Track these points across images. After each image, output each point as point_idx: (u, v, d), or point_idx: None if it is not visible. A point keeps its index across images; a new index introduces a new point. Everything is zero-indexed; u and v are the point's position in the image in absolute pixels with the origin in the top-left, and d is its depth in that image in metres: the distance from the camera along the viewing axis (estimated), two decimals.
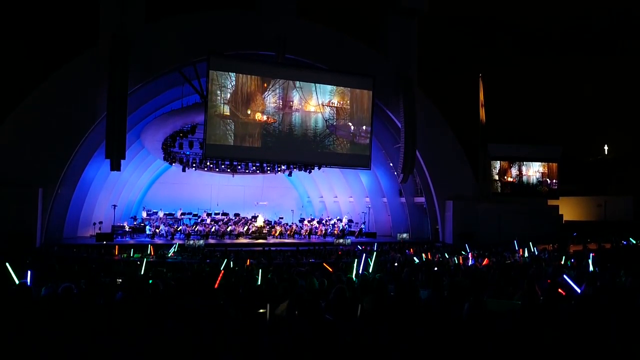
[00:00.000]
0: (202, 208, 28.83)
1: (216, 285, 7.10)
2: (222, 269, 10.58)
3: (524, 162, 28.69)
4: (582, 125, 40.87)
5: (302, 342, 3.59)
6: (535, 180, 28.94)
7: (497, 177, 28.47)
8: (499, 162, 28.44)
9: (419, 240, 26.69)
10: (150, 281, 6.82)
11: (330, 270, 12.26)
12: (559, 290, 6.04)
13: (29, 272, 6.58)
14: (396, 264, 13.95)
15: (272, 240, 25.34)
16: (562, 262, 12.45)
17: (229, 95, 21.74)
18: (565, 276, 6.35)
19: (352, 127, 24.01)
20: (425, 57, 27.67)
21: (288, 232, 26.90)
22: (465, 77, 32.26)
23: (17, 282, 6.51)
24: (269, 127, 22.61)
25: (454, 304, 5.13)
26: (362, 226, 29.87)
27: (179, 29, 21.16)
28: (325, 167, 25.72)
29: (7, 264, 6.65)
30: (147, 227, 25.29)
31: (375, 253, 13.40)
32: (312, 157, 23.91)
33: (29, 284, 6.22)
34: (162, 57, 20.84)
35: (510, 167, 28.63)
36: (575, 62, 42.39)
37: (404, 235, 26.99)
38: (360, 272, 10.24)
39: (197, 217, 27.70)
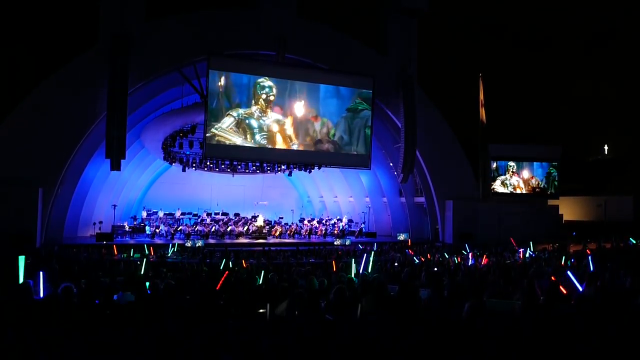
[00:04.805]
0: (202, 208, 28.85)
1: (218, 287, 7.09)
2: (222, 268, 10.56)
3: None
4: (582, 125, 40.83)
5: (302, 341, 3.59)
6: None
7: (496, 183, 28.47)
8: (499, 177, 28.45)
9: (419, 240, 26.69)
10: (148, 283, 6.81)
11: (335, 269, 12.29)
12: (561, 288, 6.05)
13: (41, 273, 6.49)
14: (396, 264, 13.97)
15: (272, 240, 25.35)
16: (562, 262, 12.44)
17: (229, 95, 21.75)
18: (569, 272, 6.34)
19: (352, 127, 24.03)
20: (425, 57, 27.62)
21: (288, 232, 26.91)
22: (466, 77, 32.18)
23: (22, 280, 6.45)
24: (269, 127, 22.60)
25: (454, 303, 5.13)
26: (362, 226, 29.88)
27: (179, 28, 21.13)
28: (325, 166, 25.72)
29: (21, 259, 6.55)
30: (147, 227, 25.31)
31: (373, 252, 13.43)
32: (312, 157, 23.90)
33: (41, 284, 6.18)
34: (162, 57, 20.82)
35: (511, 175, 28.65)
36: (576, 62, 42.36)
37: (402, 236, 26.93)
38: (360, 272, 10.26)
39: (197, 217, 27.72)
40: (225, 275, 8.00)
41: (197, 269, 12.35)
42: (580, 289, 6.05)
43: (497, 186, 28.39)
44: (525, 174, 28.76)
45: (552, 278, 6.94)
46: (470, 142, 28.37)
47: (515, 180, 28.59)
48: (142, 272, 10.82)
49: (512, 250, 17.63)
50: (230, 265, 13.54)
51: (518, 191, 28.65)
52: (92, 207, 25.26)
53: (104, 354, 3.36)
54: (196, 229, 25.16)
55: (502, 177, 28.43)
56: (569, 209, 32.12)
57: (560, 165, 29.32)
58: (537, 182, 28.86)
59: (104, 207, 26.00)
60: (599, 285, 6.18)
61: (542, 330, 3.90)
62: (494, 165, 28.37)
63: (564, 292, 6.07)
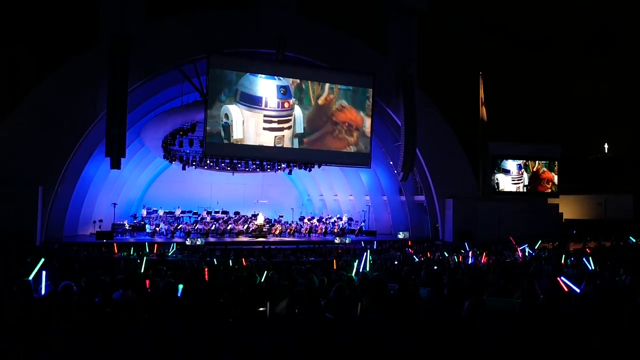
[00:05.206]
0: (202, 206, 28.84)
1: (206, 278, 7.18)
2: (205, 267, 10.62)
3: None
4: (582, 123, 40.86)
5: (302, 341, 3.59)
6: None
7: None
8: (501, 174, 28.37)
9: (419, 238, 26.70)
10: (148, 281, 6.81)
11: (335, 267, 12.31)
12: (562, 285, 6.05)
13: (43, 272, 6.49)
14: (396, 262, 13.98)
15: (272, 239, 25.35)
16: (562, 261, 12.45)
17: (229, 94, 21.75)
18: (563, 278, 6.34)
19: (352, 125, 24.02)
20: (425, 56, 27.61)
21: (288, 231, 26.91)
22: (466, 76, 32.17)
23: (32, 277, 6.44)
24: (269, 125, 22.59)
25: (453, 302, 5.14)
26: (362, 224, 29.88)
27: (179, 26, 21.11)
28: (326, 165, 25.72)
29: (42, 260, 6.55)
30: (147, 226, 25.30)
31: (369, 251, 13.45)
32: (312, 156, 23.91)
33: (43, 283, 6.19)
34: (162, 55, 20.81)
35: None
36: (576, 61, 42.35)
37: (402, 235, 26.95)
38: (360, 270, 10.27)
39: (197, 216, 27.72)
40: (206, 270, 8.08)
41: (197, 267, 12.37)
42: (578, 290, 6.04)
43: (507, 184, 28.35)
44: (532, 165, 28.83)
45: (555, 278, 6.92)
46: (470, 141, 28.37)
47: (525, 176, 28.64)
48: (142, 271, 10.82)
49: (512, 249, 17.64)
50: (231, 264, 13.57)
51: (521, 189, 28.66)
52: (92, 205, 25.26)
53: (104, 354, 3.37)
54: (196, 227, 25.15)
55: (509, 176, 28.41)
56: (569, 208, 32.12)
57: (561, 164, 29.34)
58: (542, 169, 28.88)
59: (104, 206, 26.01)
60: (598, 284, 6.18)
61: (542, 330, 3.90)
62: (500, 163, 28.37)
63: (565, 289, 6.08)
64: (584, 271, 8.79)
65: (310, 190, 35.09)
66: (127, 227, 24.70)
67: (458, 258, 15.43)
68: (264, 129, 22.49)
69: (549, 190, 29.10)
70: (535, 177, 28.87)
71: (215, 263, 13.92)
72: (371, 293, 5.61)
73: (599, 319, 4.21)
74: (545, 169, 29.01)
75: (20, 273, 7.26)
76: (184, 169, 26.23)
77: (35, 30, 26.58)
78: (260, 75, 22.27)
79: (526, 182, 28.83)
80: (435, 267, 11.60)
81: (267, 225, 26.96)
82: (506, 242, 20.37)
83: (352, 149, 24.12)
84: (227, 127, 21.83)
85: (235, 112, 21.90)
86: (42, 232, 19.82)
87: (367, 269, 10.68)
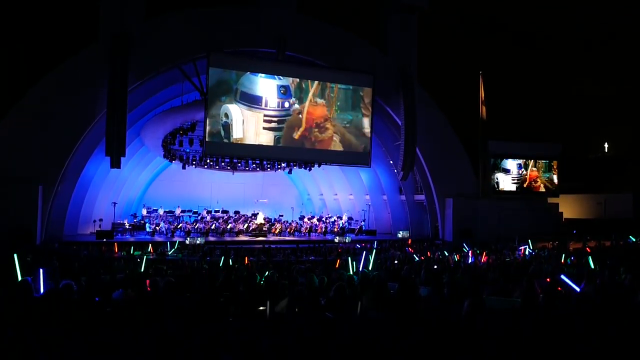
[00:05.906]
0: (202, 205, 28.87)
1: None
2: (222, 266, 10.58)
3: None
4: (582, 122, 40.84)
5: (302, 341, 3.59)
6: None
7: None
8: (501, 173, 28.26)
9: (419, 237, 26.69)
10: (148, 280, 6.81)
11: (337, 266, 12.31)
12: (558, 287, 6.05)
13: (41, 270, 6.50)
14: (396, 262, 13.98)
15: (272, 238, 25.36)
16: (562, 260, 12.45)
17: (229, 93, 21.74)
18: (563, 276, 6.34)
19: (353, 124, 24.01)
20: (426, 55, 27.57)
21: (288, 230, 26.91)
22: (466, 75, 32.10)
23: (20, 278, 6.46)
24: (269, 125, 22.59)
25: (453, 301, 5.14)
26: (362, 224, 29.89)
27: (179, 25, 21.11)
28: (325, 164, 25.71)
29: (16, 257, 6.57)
30: (147, 225, 25.31)
31: (374, 250, 13.44)
32: (312, 155, 23.90)
33: (41, 281, 6.19)
34: (162, 54, 20.80)
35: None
36: (576, 60, 42.31)
37: (402, 234, 26.97)
38: (360, 269, 10.27)
39: (197, 215, 27.74)
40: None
41: (197, 267, 12.38)
42: (578, 289, 6.05)
43: (507, 184, 28.31)
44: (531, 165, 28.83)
45: (548, 280, 6.93)
46: (470, 139, 28.33)
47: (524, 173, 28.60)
48: (142, 270, 10.83)
49: (512, 248, 17.64)
50: (231, 263, 13.57)
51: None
52: (92, 204, 25.27)
53: (104, 354, 3.37)
54: (196, 226, 25.17)
55: (509, 175, 28.36)
56: (569, 207, 32.10)
57: (561, 163, 29.32)
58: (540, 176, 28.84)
59: (104, 205, 26.01)
60: (598, 283, 6.18)
61: (542, 330, 3.90)
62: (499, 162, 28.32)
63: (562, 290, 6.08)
64: (583, 270, 8.79)
65: (310, 189, 35.11)
66: (127, 227, 24.72)
67: (458, 257, 15.42)
68: (264, 128, 22.49)
69: (541, 189, 29.04)
70: (526, 180, 28.87)
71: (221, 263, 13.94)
72: (371, 292, 5.61)
73: (599, 319, 4.21)
74: (534, 169, 28.95)
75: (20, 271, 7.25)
76: (184, 168, 26.25)
77: (34, 30, 26.56)
78: (260, 74, 22.28)
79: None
80: (435, 267, 11.59)
81: (267, 225, 26.98)
82: (506, 241, 20.36)
83: (352, 148, 24.11)
84: (227, 127, 21.84)
85: (235, 112, 21.90)
86: (42, 231, 19.83)
87: (370, 268, 10.67)
